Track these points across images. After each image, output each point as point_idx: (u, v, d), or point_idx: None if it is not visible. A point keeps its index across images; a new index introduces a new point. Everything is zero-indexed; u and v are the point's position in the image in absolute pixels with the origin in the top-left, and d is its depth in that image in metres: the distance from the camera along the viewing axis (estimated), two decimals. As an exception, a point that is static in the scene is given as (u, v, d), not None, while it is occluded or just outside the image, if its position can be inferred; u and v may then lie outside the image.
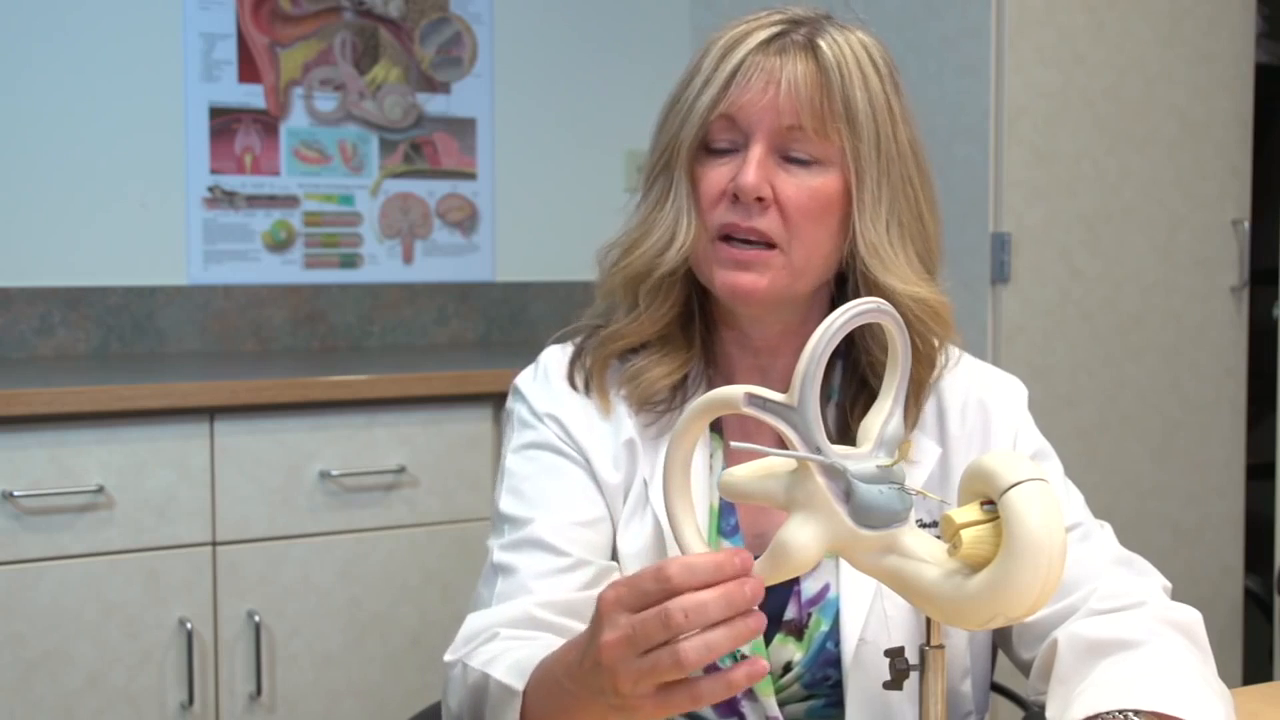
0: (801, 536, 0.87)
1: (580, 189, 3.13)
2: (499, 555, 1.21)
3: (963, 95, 2.51)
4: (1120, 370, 2.62)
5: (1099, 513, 1.25)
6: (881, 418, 0.91)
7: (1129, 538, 1.26)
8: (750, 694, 1.18)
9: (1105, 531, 1.23)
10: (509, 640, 1.11)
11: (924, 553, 0.88)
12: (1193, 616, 1.14)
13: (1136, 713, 1.00)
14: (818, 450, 0.86)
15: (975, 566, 0.86)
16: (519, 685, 1.02)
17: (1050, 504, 0.84)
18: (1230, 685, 1.10)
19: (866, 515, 0.87)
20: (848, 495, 0.87)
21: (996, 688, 1.40)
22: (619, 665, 0.88)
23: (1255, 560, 2.85)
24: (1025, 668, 1.20)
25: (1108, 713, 1.01)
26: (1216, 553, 2.73)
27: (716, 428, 1.25)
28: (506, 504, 1.24)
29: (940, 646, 0.96)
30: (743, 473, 0.92)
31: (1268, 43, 2.98)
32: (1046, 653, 1.14)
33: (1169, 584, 1.20)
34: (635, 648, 0.87)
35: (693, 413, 0.92)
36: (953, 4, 2.53)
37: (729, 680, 0.87)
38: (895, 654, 1.00)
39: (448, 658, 1.15)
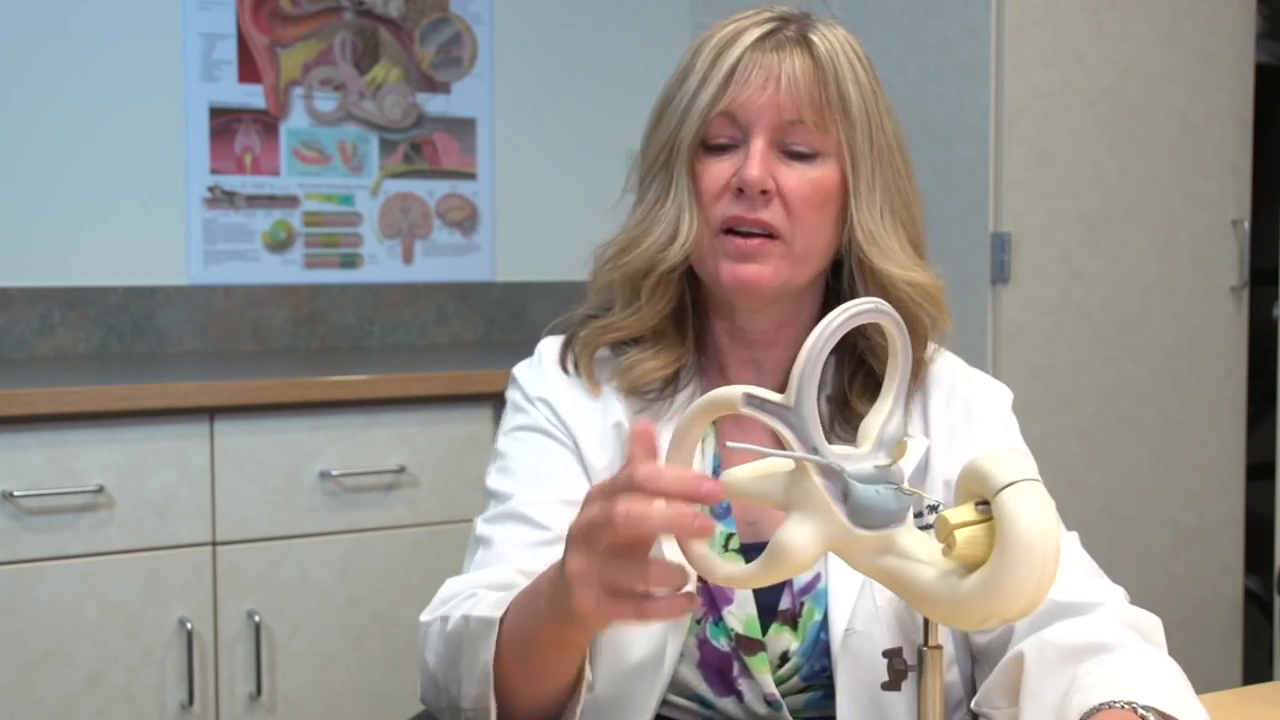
0: (799, 537, 0.87)
1: (580, 189, 3.13)
2: (481, 528, 1.26)
3: (963, 95, 2.51)
4: (1120, 370, 2.62)
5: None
6: (881, 418, 0.91)
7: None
8: (746, 672, 1.19)
9: (1070, 536, 1.23)
10: (489, 595, 1.11)
11: (920, 553, 0.88)
12: (1153, 622, 1.14)
13: (1146, 708, 0.98)
14: (815, 450, 0.86)
15: (970, 567, 0.86)
16: (496, 615, 1.04)
17: (1044, 504, 0.84)
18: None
19: (863, 515, 0.87)
20: (845, 495, 0.87)
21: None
22: (570, 543, 0.91)
23: (1255, 560, 2.85)
24: (977, 648, 1.21)
25: (1116, 703, 0.98)
26: (1216, 553, 2.73)
27: None
28: (493, 481, 1.29)
29: (938, 647, 0.96)
30: (743, 473, 0.93)
31: (1268, 43, 2.98)
32: (1010, 669, 1.10)
33: (1125, 592, 1.20)
34: (588, 530, 0.88)
35: (692, 414, 0.92)
36: (953, 4, 2.53)
37: (670, 604, 0.87)
38: (893, 654, 0.99)
39: (424, 617, 1.17)
